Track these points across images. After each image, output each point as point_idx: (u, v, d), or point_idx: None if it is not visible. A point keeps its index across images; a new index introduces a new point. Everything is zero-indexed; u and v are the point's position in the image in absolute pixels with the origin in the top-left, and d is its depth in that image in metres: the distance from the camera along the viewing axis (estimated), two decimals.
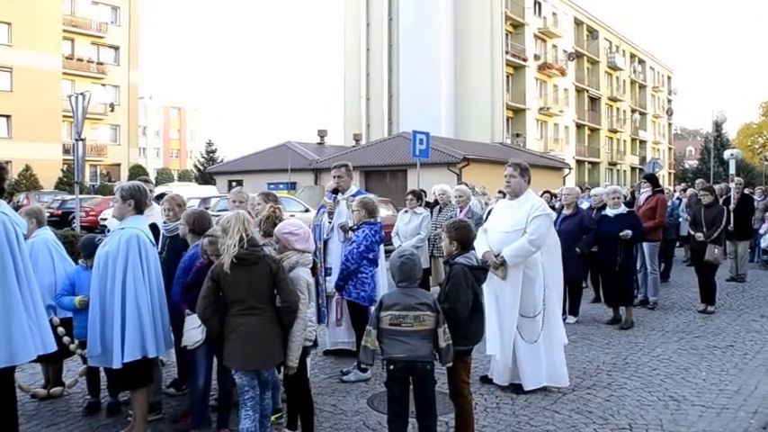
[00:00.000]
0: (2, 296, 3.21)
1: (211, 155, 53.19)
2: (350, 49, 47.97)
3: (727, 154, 13.92)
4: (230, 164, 37.32)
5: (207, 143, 55.45)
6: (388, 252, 6.18)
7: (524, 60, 44.47)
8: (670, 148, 73.37)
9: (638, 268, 8.40)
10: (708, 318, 7.79)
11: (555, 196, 10.86)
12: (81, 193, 15.04)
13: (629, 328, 7.17)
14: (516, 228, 4.90)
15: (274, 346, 3.63)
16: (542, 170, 31.79)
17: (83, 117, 12.44)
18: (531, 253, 4.87)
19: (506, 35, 43.19)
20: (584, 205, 9.08)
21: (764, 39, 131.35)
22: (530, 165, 5.38)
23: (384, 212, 10.02)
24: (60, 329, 4.38)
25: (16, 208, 5.66)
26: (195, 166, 55.83)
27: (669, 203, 10.35)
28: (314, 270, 4.12)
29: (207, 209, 13.36)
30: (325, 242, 5.91)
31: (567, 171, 39.30)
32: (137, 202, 4.08)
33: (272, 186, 25.70)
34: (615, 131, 58.26)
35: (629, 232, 7.23)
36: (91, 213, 21.39)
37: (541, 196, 8.46)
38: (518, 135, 44.08)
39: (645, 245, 8.33)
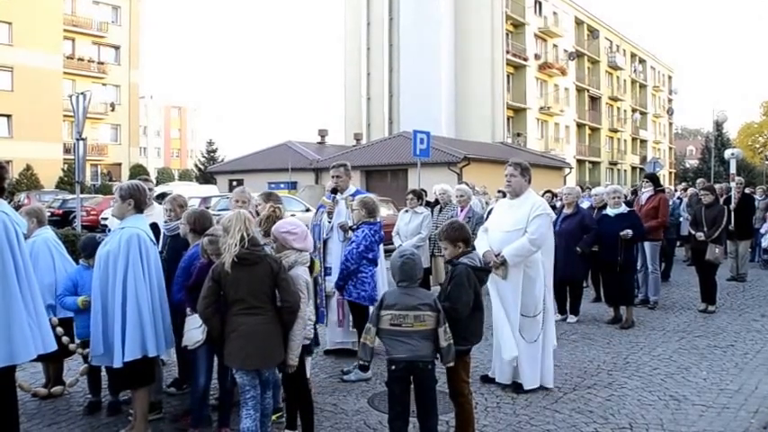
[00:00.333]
0: (2, 295, 3.21)
1: (212, 154, 53.21)
2: (350, 49, 47.97)
3: (727, 153, 13.93)
4: (231, 163, 37.32)
5: (207, 143, 55.48)
6: (388, 252, 6.19)
7: (525, 60, 44.45)
8: (671, 148, 73.33)
9: (638, 268, 8.40)
10: (708, 317, 7.79)
11: (556, 196, 10.87)
12: (82, 192, 15.06)
13: (630, 327, 7.17)
14: (517, 227, 4.90)
15: (275, 345, 3.63)
16: (543, 170, 31.77)
17: (83, 116, 12.45)
18: (531, 252, 4.87)
19: (507, 35, 43.18)
20: (585, 205, 9.08)
21: (765, 38, 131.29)
22: (530, 164, 5.38)
23: (384, 212, 10.02)
24: (59, 330, 4.38)
25: (17, 207, 5.67)
26: (196, 166, 55.85)
27: (670, 203, 10.34)
28: (312, 268, 4.12)
29: (207, 208, 13.38)
30: (325, 242, 5.91)
31: (567, 171, 39.29)
32: (136, 201, 4.08)
33: (272, 186, 25.70)
34: (616, 131, 58.24)
35: (629, 232, 7.23)
36: (92, 213, 21.42)
37: (542, 196, 8.48)
38: (519, 134, 44.07)
39: (646, 244, 8.33)
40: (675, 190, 16.40)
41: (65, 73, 39.03)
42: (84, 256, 4.54)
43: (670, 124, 74.30)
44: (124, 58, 44.79)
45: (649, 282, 8.47)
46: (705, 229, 8.06)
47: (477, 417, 4.24)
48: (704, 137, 77.21)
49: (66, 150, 35.67)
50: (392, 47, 44.97)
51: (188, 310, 3.98)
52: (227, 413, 4.13)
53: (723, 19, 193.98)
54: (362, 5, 46.38)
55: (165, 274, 4.20)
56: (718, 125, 53.46)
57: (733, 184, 11.48)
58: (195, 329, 3.91)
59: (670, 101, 72.21)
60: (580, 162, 51.26)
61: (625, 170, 59.80)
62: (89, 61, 42.60)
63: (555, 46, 48.98)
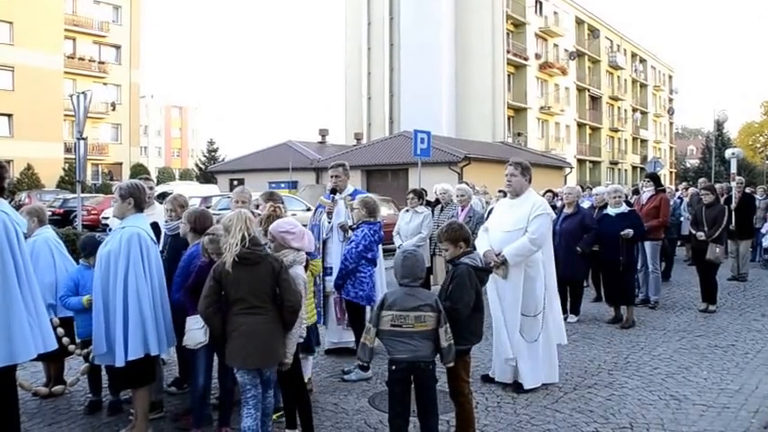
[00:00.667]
0: (2, 295, 3.21)
1: (213, 154, 53.22)
2: (351, 49, 47.95)
3: (728, 153, 13.92)
4: (231, 163, 37.35)
5: (208, 142, 55.47)
6: (387, 251, 6.19)
7: (525, 59, 44.43)
8: (671, 148, 73.29)
9: (638, 267, 8.40)
10: (709, 317, 7.78)
11: (557, 195, 10.86)
12: (83, 191, 15.05)
13: (631, 327, 7.16)
14: (517, 227, 4.90)
15: (276, 344, 3.63)
16: (543, 169, 31.76)
17: (84, 116, 12.45)
18: (532, 252, 4.87)
19: (507, 34, 43.16)
20: (586, 204, 9.08)
21: (765, 38, 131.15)
22: (531, 164, 5.37)
23: (385, 211, 10.03)
24: (60, 330, 4.38)
25: (18, 207, 5.68)
26: (196, 165, 55.85)
27: (671, 203, 10.33)
28: (308, 267, 4.13)
29: (208, 208, 13.38)
30: (324, 242, 5.91)
31: (568, 170, 39.29)
32: (136, 200, 4.08)
33: (273, 185, 25.71)
34: (616, 130, 58.21)
35: (630, 231, 7.23)
36: (92, 212, 21.43)
37: (543, 195, 8.48)
38: (519, 134, 44.06)
39: (647, 244, 8.33)
40: (676, 189, 16.39)
41: (66, 72, 39.03)
42: (84, 256, 4.55)
43: (671, 124, 74.24)
44: (125, 57, 44.78)
45: (650, 281, 8.47)
46: (706, 228, 8.06)
47: (478, 416, 4.24)
48: (705, 136, 77.19)
49: (67, 150, 35.66)
50: (393, 46, 44.96)
51: (190, 310, 3.97)
52: (227, 412, 4.14)
53: (723, 19, 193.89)
54: (363, 5, 46.36)
55: (165, 273, 4.21)
56: (719, 125, 53.48)
57: (734, 184, 11.48)
58: (197, 330, 3.91)
59: (671, 100, 72.16)
60: (581, 162, 51.24)
61: (626, 170, 59.76)
62: (90, 61, 42.59)
63: (555, 45, 48.96)
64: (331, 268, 5.79)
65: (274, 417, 4.08)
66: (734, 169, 12.57)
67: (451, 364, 3.63)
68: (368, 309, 5.42)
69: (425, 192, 8.62)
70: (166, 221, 5.02)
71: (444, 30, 42.78)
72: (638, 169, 57.34)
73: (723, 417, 4.46)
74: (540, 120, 47.15)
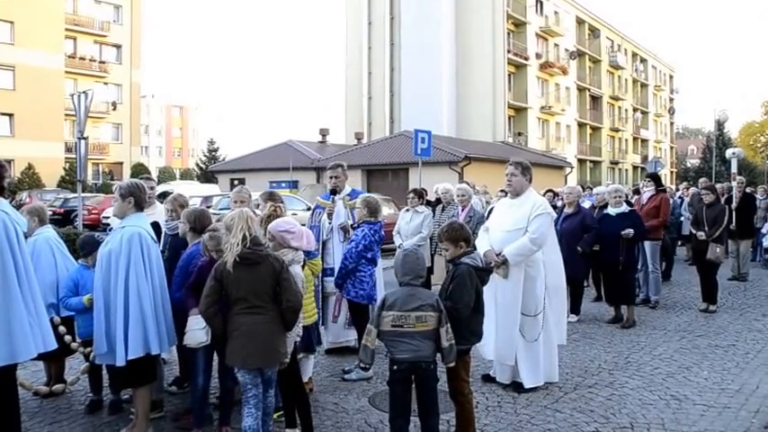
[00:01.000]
0: (2, 294, 3.21)
1: (213, 153, 53.20)
2: (351, 48, 47.95)
3: (729, 153, 13.89)
4: (232, 162, 37.37)
5: (209, 141, 55.45)
6: (386, 251, 6.18)
7: (526, 59, 44.41)
8: (672, 147, 73.25)
9: (639, 267, 8.39)
10: (709, 317, 7.78)
11: (557, 195, 10.86)
12: (83, 191, 15.07)
13: (631, 326, 7.16)
14: (518, 227, 4.89)
15: (277, 344, 3.63)
16: (544, 169, 31.77)
17: (85, 115, 12.47)
18: (532, 252, 4.87)
19: (508, 34, 43.14)
20: (586, 204, 9.08)
21: (765, 38, 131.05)
22: (531, 164, 5.37)
23: (386, 211, 10.02)
24: (61, 328, 4.39)
25: (19, 206, 5.68)
26: (197, 165, 55.82)
27: (671, 202, 10.33)
28: (304, 266, 4.13)
29: (209, 207, 13.40)
30: (324, 243, 5.90)
31: (568, 170, 39.29)
32: (136, 199, 4.08)
33: (273, 185, 25.73)
34: (617, 130, 58.18)
35: (630, 231, 7.23)
36: (93, 212, 21.44)
37: (544, 195, 8.47)
38: (520, 134, 44.04)
39: (646, 244, 8.33)
40: (676, 189, 16.38)
41: (66, 72, 39.04)
42: (83, 255, 4.55)
43: (671, 124, 74.20)
44: (126, 57, 44.79)
45: (650, 281, 8.47)
46: (706, 228, 8.05)
47: (478, 416, 4.24)
48: (705, 136, 77.19)
49: (68, 149, 35.67)
50: (393, 46, 44.94)
51: (192, 309, 3.96)
52: (228, 412, 4.14)
53: (724, 19, 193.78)
54: (364, 4, 46.35)
55: (166, 272, 4.21)
56: (720, 124, 53.46)
57: (734, 184, 11.47)
58: (199, 330, 3.91)
59: (671, 100, 72.12)
60: (581, 161, 51.22)
61: (626, 169, 59.73)
62: (90, 60, 42.60)
63: (556, 45, 48.93)
64: (332, 269, 5.78)
65: (275, 416, 4.09)
66: (734, 169, 12.55)
67: (452, 364, 3.63)
68: (370, 307, 5.42)
69: (426, 191, 8.62)
70: (167, 221, 5.03)
71: (445, 29, 42.77)
72: (639, 169, 57.31)
73: (724, 417, 4.46)
74: (541, 119, 47.13)
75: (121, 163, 43.69)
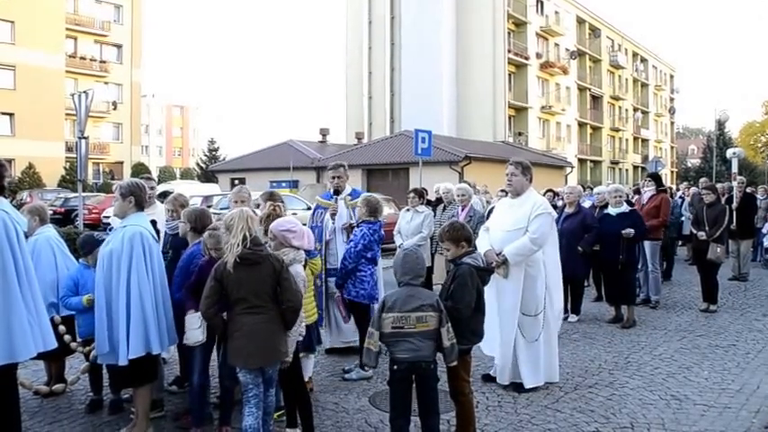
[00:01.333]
0: (2, 294, 3.21)
1: (214, 153, 53.18)
2: (352, 48, 47.94)
3: (729, 153, 13.87)
4: (232, 162, 37.36)
5: (209, 141, 55.43)
6: (386, 251, 6.17)
7: (526, 59, 44.40)
8: (672, 147, 73.23)
9: (639, 267, 8.39)
10: (710, 317, 7.78)
11: (557, 195, 10.85)
12: (84, 190, 15.04)
13: (631, 326, 7.16)
14: (518, 226, 4.89)
15: (277, 343, 3.63)
16: (544, 169, 31.76)
17: (86, 115, 12.46)
18: (532, 251, 4.86)
19: (508, 33, 43.12)
20: (587, 204, 9.07)
21: (765, 38, 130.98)
22: (532, 163, 5.36)
23: (386, 211, 10.03)
24: (61, 328, 4.39)
25: (19, 206, 5.67)
26: (197, 164, 55.82)
27: (671, 202, 10.32)
28: (305, 266, 4.13)
29: (209, 207, 13.39)
30: (327, 243, 5.89)
31: (569, 170, 39.28)
32: (137, 198, 4.08)
33: (274, 184, 25.74)
34: (617, 130, 58.16)
35: (631, 231, 7.23)
36: (94, 211, 21.42)
37: (544, 195, 8.46)
38: (520, 134, 44.03)
39: (646, 244, 8.32)
40: (677, 189, 16.37)
41: (67, 72, 39.04)
42: (83, 254, 4.54)
43: (672, 123, 74.17)
44: (126, 56, 44.79)
45: (650, 281, 8.46)
46: (707, 228, 8.05)
47: (479, 416, 4.24)
48: (706, 136, 77.14)
49: (69, 149, 35.61)
50: (394, 46, 44.94)
51: (191, 309, 3.96)
52: (228, 411, 4.14)
53: (724, 18, 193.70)
54: (364, 4, 46.35)
55: (166, 272, 4.21)
56: (720, 124, 53.43)
57: (735, 184, 11.46)
58: (196, 329, 3.91)
59: (672, 100, 72.10)
60: (581, 161, 51.21)
61: (626, 169, 59.71)
62: (91, 60, 42.60)
63: (556, 45, 48.91)
64: (336, 269, 5.77)
65: (275, 416, 4.09)
66: (735, 169, 12.52)
67: (454, 364, 3.63)
68: (372, 307, 5.41)
69: (426, 191, 8.62)
70: (167, 221, 5.03)
71: (445, 29, 42.76)
72: (639, 169, 57.28)
73: (724, 417, 4.46)
74: (541, 119, 47.12)
75: (122, 162, 43.70)
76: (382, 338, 3.53)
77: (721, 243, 8.13)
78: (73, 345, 4.49)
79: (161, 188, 21.51)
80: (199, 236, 4.27)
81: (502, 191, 8.63)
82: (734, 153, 13.28)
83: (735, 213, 10.32)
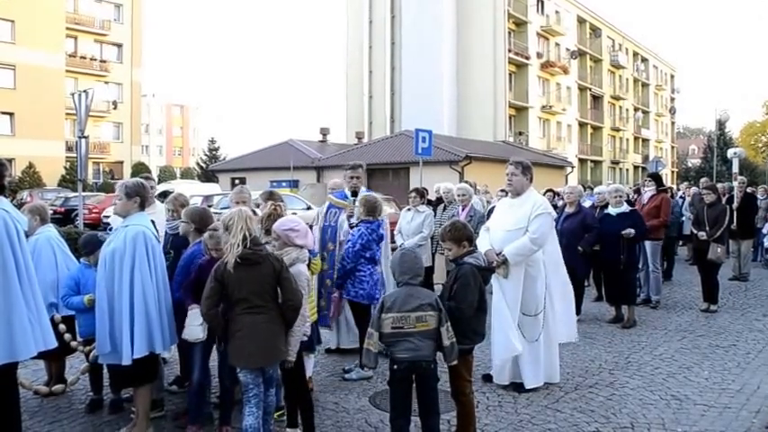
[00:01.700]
0: (3, 292, 3.21)
1: (214, 152, 53.19)
2: (352, 47, 47.94)
3: (730, 153, 13.87)
4: (233, 161, 37.36)
5: (209, 141, 55.44)
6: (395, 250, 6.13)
7: (527, 58, 44.39)
8: (673, 147, 73.21)
9: (640, 267, 8.39)
10: (710, 317, 7.78)
11: (558, 195, 10.85)
12: (84, 190, 15.05)
13: (632, 326, 7.16)
14: (518, 226, 4.89)
15: (278, 343, 3.63)
16: (545, 168, 31.76)
17: (86, 115, 12.47)
18: (532, 251, 4.86)
19: (509, 33, 43.12)
20: (587, 204, 9.07)
21: (766, 38, 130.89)
22: (532, 163, 5.36)
23: (387, 210, 10.04)
24: (61, 327, 4.39)
25: (20, 205, 5.67)
26: (198, 164, 55.83)
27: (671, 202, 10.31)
28: (310, 266, 4.12)
29: (209, 206, 13.39)
30: (341, 243, 5.83)
31: (569, 169, 39.26)
32: (142, 199, 4.10)
33: (274, 184, 25.73)
34: (618, 130, 58.15)
35: (631, 231, 7.22)
36: (94, 211, 21.44)
37: (544, 195, 8.46)
38: (520, 133, 44.03)
39: (647, 243, 8.32)
40: (678, 189, 16.36)
41: (67, 71, 39.04)
42: (85, 254, 4.54)
43: (672, 123, 74.16)
44: (126, 56, 44.80)
45: (651, 281, 8.46)
46: (707, 228, 8.04)
47: (479, 415, 4.24)
48: (706, 136, 77.06)
49: (69, 148, 35.61)
50: (394, 45, 44.94)
51: (191, 304, 3.95)
52: (228, 411, 4.14)
53: (725, 18, 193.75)
54: (364, 4, 46.34)
55: (167, 271, 4.21)
56: (721, 124, 53.37)
57: (735, 184, 11.45)
58: (197, 326, 3.91)
59: (672, 100, 72.09)
60: (582, 161, 51.20)
61: (627, 169, 59.70)
62: (91, 59, 42.61)
63: (557, 44, 48.91)
64: None
65: (275, 415, 4.09)
66: (736, 169, 12.53)
67: (454, 363, 3.63)
68: (372, 306, 5.40)
69: (426, 191, 8.61)
70: (168, 220, 5.03)
71: (446, 28, 42.75)
72: (640, 169, 57.28)
73: (724, 417, 4.46)
74: (542, 119, 47.11)
75: (122, 162, 43.71)
76: (382, 338, 3.53)
77: (722, 243, 8.12)
78: (73, 344, 4.49)
79: (161, 188, 21.56)
80: (200, 235, 4.26)
81: (502, 191, 8.64)
82: (735, 153, 13.28)
83: (735, 213, 10.32)
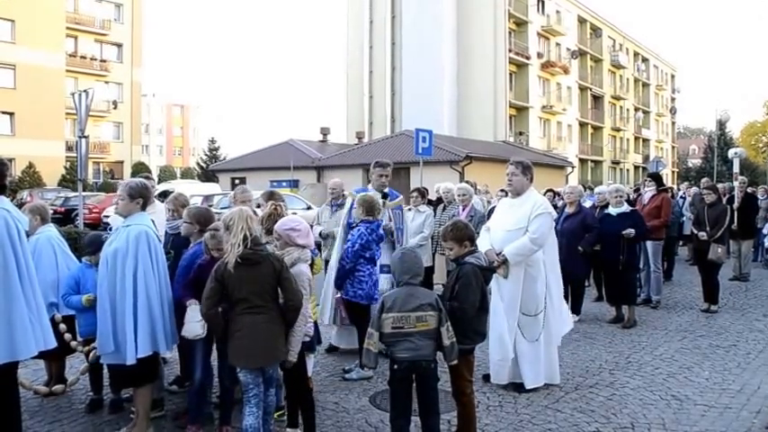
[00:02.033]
0: (3, 292, 3.21)
1: (214, 152, 53.14)
2: (353, 47, 47.93)
3: (730, 153, 13.87)
4: (233, 161, 37.35)
5: (210, 141, 55.39)
6: None
7: (527, 58, 44.38)
8: (673, 147, 73.19)
9: (640, 267, 8.38)
10: (711, 317, 7.77)
11: (558, 195, 10.85)
12: (84, 190, 15.05)
13: (632, 326, 7.16)
14: (518, 226, 4.89)
15: (278, 343, 3.63)
16: (545, 168, 31.76)
17: (86, 114, 12.48)
18: (532, 251, 4.86)
19: (509, 33, 43.10)
20: (588, 204, 9.07)
21: (766, 38, 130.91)
22: (532, 163, 5.35)
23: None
24: (62, 326, 4.38)
25: (20, 205, 5.67)
26: (198, 164, 55.77)
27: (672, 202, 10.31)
28: (312, 266, 4.12)
29: (210, 206, 13.39)
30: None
31: (569, 169, 39.25)
32: (145, 199, 4.12)
33: (274, 184, 25.72)
34: (618, 130, 58.13)
35: (631, 231, 7.22)
36: (94, 211, 21.45)
37: (544, 195, 8.46)
38: (521, 133, 44.02)
39: (648, 243, 8.32)
40: (678, 189, 16.35)
41: (67, 71, 39.04)
42: (89, 253, 4.53)
43: (673, 123, 74.14)
44: (126, 56, 44.81)
45: (651, 281, 8.46)
46: (708, 228, 8.04)
47: (479, 415, 4.24)
48: (707, 136, 77.03)
49: (69, 148, 35.60)
50: (394, 45, 44.92)
51: (191, 301, 3.95)
52: (228, 411, 4.14)
53: (725, 19, 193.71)
54: (365, 4, 46.33)
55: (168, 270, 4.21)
56: (721, 124, 53.38)
57: (736, 184, 11.45)
58: (196, 323, 3.90)
59: (673, 100, 72.07)
60: (582, 161, 51.19)
61: (627, 169, 59.68)
62: (91, 59, 42.61)
63: (557, 44, 48.89)
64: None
65: (276, 415, 4.09)
66: (736, 169, 12.52)
67: (455, 362, 3.62)
68: (371, 308, 5.40)
69: (427, 191, 8.61)
70: (168, 220, 5.02)
71: (446, 28, 42.74)
72: (640, 169, 57.27)
73: (725, 417, 4.45)
74: (542, 119, 47.10)
75: (122, 162, 43.71)
76: (382, 338, 3.53)
77: (722, 243, 8.12)
78: (73, 343, 4.49)
79: (161, 187, 21.58)
80: (202, 235, 4.26)
81: (502, 191, 8.64)
82: (735, 153, 13.27)
83: (736, 213, 10.32)
